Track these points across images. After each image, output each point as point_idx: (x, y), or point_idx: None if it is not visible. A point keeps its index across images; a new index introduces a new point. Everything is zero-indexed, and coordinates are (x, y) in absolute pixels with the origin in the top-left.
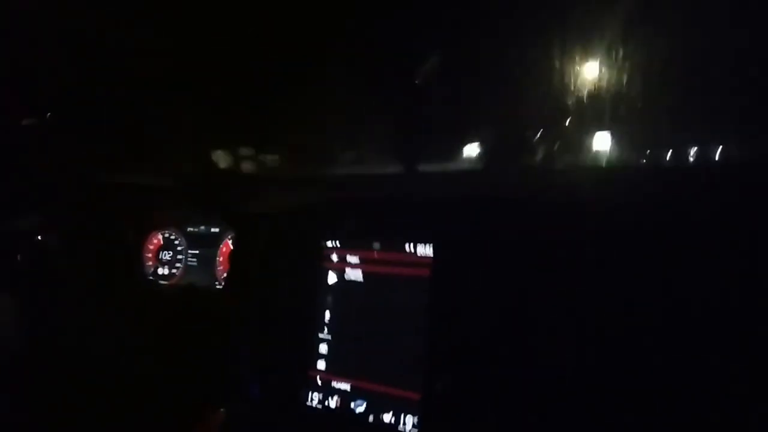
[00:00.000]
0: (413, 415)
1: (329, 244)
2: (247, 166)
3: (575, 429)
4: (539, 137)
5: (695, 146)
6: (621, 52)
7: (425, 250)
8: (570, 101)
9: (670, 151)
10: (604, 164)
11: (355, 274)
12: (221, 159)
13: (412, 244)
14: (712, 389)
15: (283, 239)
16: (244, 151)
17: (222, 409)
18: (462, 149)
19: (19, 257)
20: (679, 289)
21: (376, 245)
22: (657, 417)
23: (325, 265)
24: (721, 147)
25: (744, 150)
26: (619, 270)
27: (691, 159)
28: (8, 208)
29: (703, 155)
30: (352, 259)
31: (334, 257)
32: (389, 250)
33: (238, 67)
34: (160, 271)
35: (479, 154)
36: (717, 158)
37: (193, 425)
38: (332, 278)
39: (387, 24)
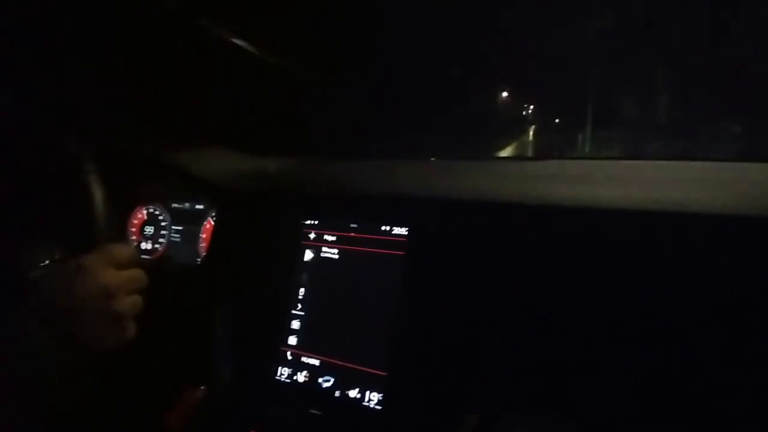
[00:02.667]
0: (378, 392)
1: (308, 222)
2: (232, 144)
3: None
4: (516, 128)
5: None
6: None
7: (401, 231)
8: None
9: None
10: (577, 157)
11: (331, 253)
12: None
13: (388, 225)
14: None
15: (264, 217)
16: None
17: (202, 387)
18: (440, 136)
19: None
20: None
21: (353, 225)
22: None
23: (302, 243)
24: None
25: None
26: (592, 256)
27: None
28: None
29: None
30: (329, 237)
31: (312, 235)
32: (366, 230)
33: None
34: (143, 245)
35: (457, 142)
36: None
37: (172, 401)
38: (308, 256)
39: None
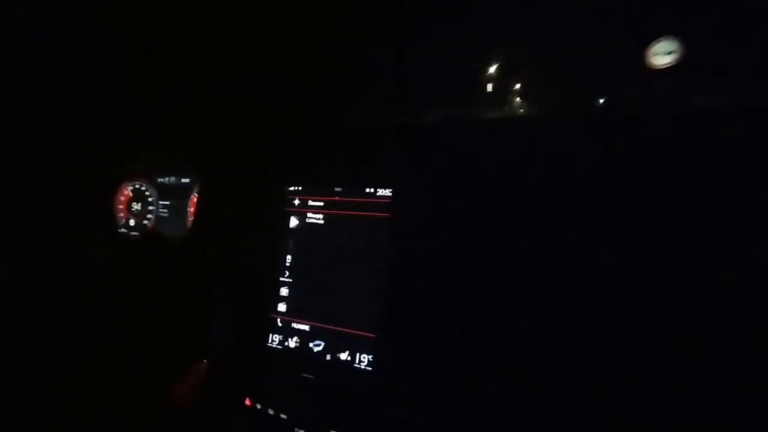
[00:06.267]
0: (368, 353)
1: (291, 188)
2: (214, 114)
3: (526, 375)
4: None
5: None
6: None
7: (385, 193)
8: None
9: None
10: (552, 112)
11: (316, 218)
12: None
13: (372, 188)
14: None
15: (247, 185)
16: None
17: (205, 361)
18: (421, 98)
19: None
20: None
21: (338, 189)
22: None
23: (287, 210)
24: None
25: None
26: (571, 212)
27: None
28: None
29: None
30: (314, 203)
31: (297, 202)
32: (350, 194)
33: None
34: (131, 222)
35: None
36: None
37: (174, 376)
38: (294, 222)
39: None
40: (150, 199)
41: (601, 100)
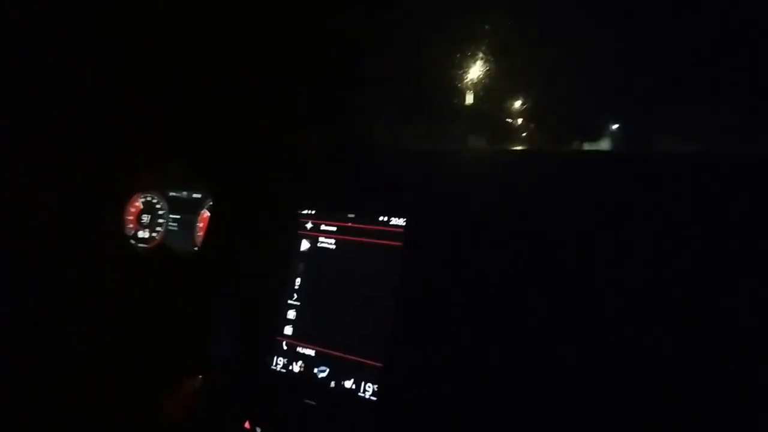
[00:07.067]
0: (373, 383)
1: (305, 212)
2: (231, 132)
3: (534, 405)
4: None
5: None
6: None
7: (398, 222)
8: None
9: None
10: (570, 147)
11: (328, 243)
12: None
13: (385, 216)
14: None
15: (260, 206)
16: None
17: (200, 375)
18: (437, 128)
19: None
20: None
21: (351, 215)
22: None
23: (299, 233)
24: None
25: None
26: (582, 243)
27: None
28: None
29: None
30: (326, 227)
31: (309, 225)
32: (363, 221)
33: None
34: (140, 234)
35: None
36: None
37: (169, 390)
38: (305, 246)
39: None
40: (160, 212)
41: (614, 127)
